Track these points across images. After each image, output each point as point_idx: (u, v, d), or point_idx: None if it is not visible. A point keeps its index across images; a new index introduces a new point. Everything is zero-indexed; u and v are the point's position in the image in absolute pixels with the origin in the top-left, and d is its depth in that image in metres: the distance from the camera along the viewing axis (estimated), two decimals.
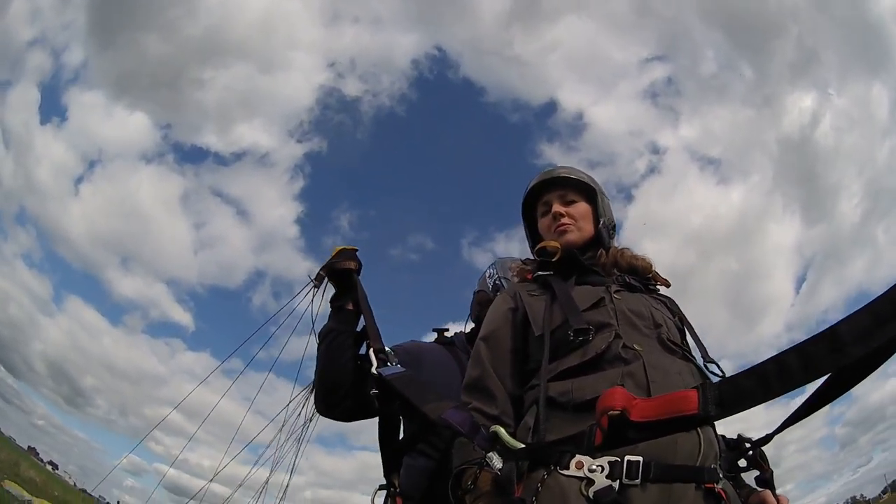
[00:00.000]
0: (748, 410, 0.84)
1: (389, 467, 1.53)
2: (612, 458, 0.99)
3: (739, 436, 1.25)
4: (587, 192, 1.60)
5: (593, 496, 0.97)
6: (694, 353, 1.35)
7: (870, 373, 0.83)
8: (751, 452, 1.23)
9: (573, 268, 1.44)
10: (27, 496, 11.24)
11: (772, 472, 1.20)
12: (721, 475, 1.10)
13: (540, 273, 1.47)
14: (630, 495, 0.98)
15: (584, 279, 1.41)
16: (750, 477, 1.28)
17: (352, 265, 1.65)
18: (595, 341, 1.20)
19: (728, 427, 1.27)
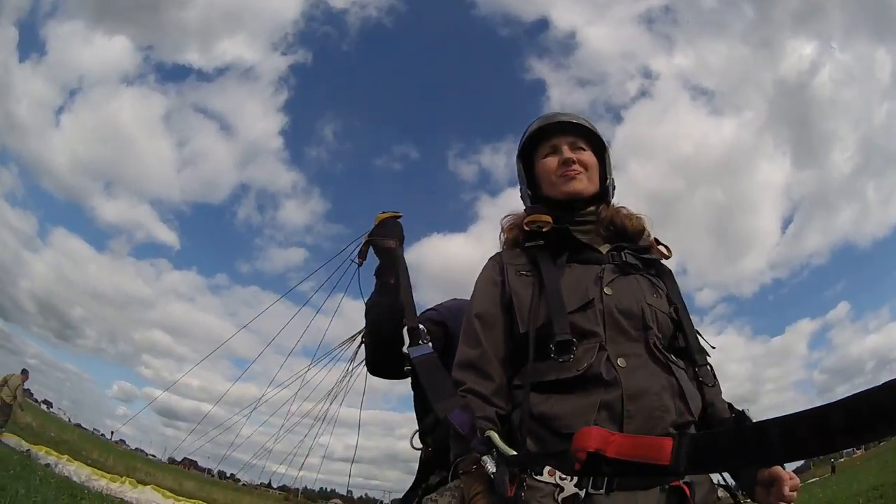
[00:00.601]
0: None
1: (419, 415, 1.63)
2: None
3: (743, 411, 1.26)
4: (597, 144, 1.50)
5: (562, 501, 1.03)
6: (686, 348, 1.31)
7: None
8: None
9: (565, 244, 1.34)
10: (25, 445, 11.40)
11: None
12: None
13: (529, 244, 1.37)
14: (595, 502, 1.03)
15: (576, 257, 1.32)
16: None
17: (392, 244, 1.67)
18: (578, 354, 1.16)
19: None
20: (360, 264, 1.75)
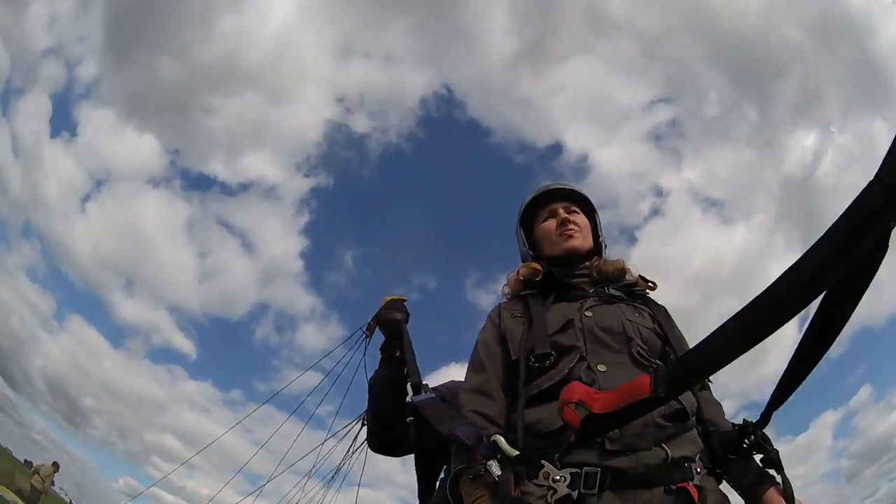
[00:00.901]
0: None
1: (423, 490, 1.67)
2: (574, 470, 1.09)
3: (744, 420, 1.26)
4: (588, 206, 1.72)
5: (554, 503, 1.06)
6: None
7: (840, 323, 0.82)
8: (752, 437, 1.22)
9: (552, 286, 1.50)
10: (20, 503, 11.32)
11: (777, 451, 1.18)
12: (698, 471, 1.15)
13: (524, 292, 1.53)
14: (588, 503, 1.06)
15: (562, 296, 1.47)
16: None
17: (399, 316, 1.80)
18: (559, 365, 1.27)
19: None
20: (368, 336, 1.90)
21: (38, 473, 12.45)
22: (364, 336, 1.92)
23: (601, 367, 1.23)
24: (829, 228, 0.66)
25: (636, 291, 1.52)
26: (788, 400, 1.03)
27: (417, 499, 1.67)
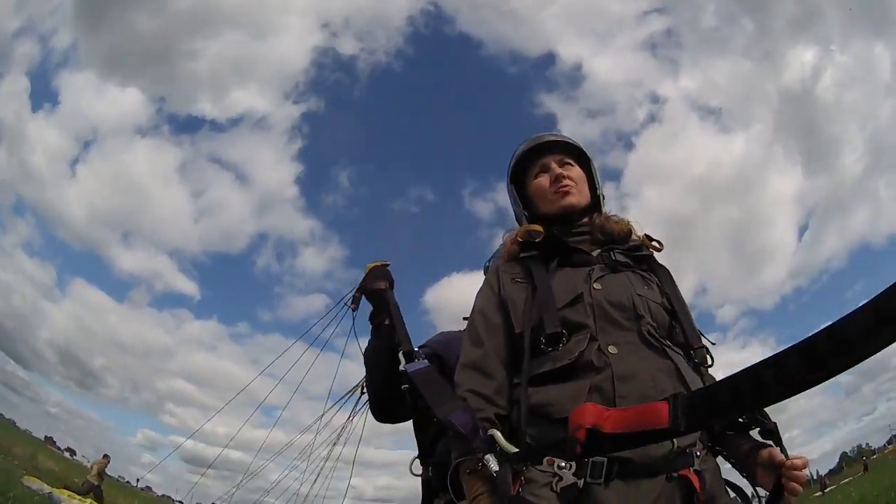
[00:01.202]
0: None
1: (423, 451, 1.69)
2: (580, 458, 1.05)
3: None
4: (582, 158, 1.58)
5: (560, 491, 1.03)
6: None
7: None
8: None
9: (556, 249, 1.39)
10: (47, 488, 11.53)
11: (775, 423, 1.15)
12: (699, 455, 1.13)
13: (524, 255, 1.42)
14: (594, 492, 1.03)
15: (567, 261, 1.37)
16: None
17: (383, 284, 1.77)
18: (569, 345, 1.20)
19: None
20: (354, 310, 1.86)
21: (93, 469, 13.50)
22: (350, 309, 1.88)
23: (612, 349, 1.17)
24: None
25: (642, 255, 1.42)
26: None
27: (418, 460, 1.68)
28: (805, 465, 1.08)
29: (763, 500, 1.15)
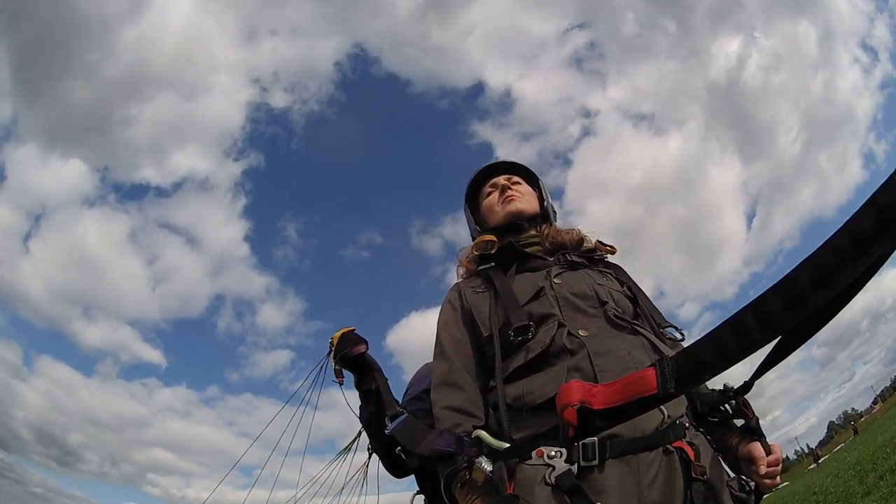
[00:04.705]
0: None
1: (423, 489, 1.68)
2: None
3: (725, 385, 1.23)
4: (530, 177, 1.72)
5: (555, 481, 1.00)
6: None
7: (844, 305, 0.73)
8: (733, 402, 1.22)
9: (512, 257, 1.44)
10: None
11: (757, 419, 1.18)
12: (688, 427, 1.14)
13: (482, 267, 1.48)
14: (591, 475, 1.01)
15: (524, 266, 1.41)
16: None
17: (363, 348, 1.74)
18: (539, 335, 1.21)
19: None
20: (340, 383, 1.80)
21: None
22: (336, 383, 1.82)
23: (583, 332, 1.17)
24: (852, 218, 0.56)
25: (596, 257, 1.49)
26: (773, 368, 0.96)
27: (421, 496, 1.67)
28: (777, 462, 1.12)
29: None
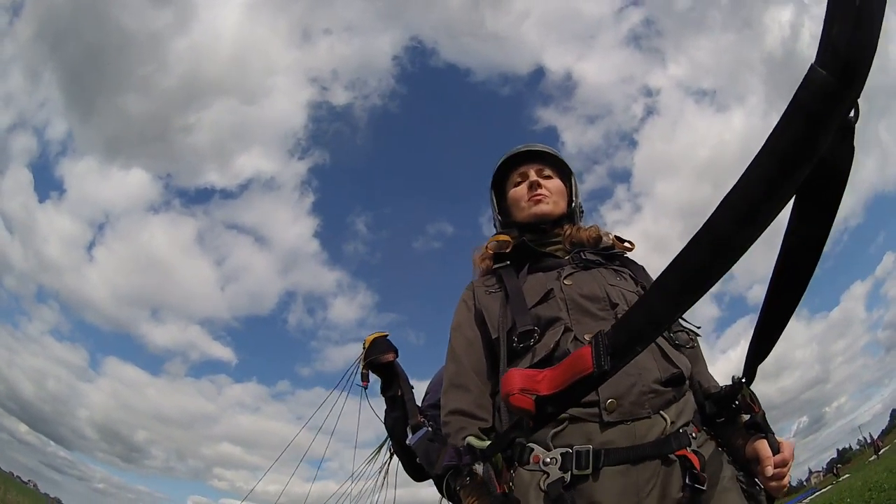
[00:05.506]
0: None
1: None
2: (564, 450, 1.02)
3: (733, 378, 1.18)
4: (563, 170, 1.61)
5: (547, 488, 0.99)
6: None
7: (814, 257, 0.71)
8: (742, 395, 1.15)
9: (526, 256, 1.42)
10: None
11: (763, 412, 1.12)
12: (695, 436, 1.09)
13: (496, 266, 1.46)
14: (583, 484, 0.99)
15: (537, 266, 1.39)
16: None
17: (391, 356, 1.80)
18: (544, 339, 1.19)
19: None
20: (365, 387, 1.87)
21: None
22: (361, 387, 1.90)
23: (587, 338, 1.14)
24: (772, 134, 0.48)
25: (614, 253, 1.44)
26: (771, 352, 0.91)
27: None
28: (785, 462, 1.04)
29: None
